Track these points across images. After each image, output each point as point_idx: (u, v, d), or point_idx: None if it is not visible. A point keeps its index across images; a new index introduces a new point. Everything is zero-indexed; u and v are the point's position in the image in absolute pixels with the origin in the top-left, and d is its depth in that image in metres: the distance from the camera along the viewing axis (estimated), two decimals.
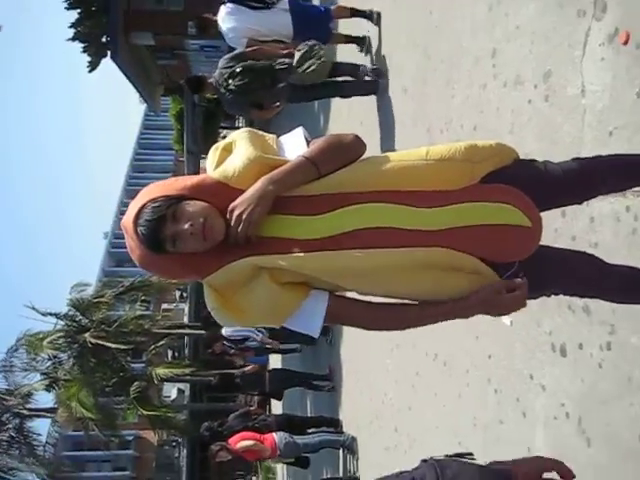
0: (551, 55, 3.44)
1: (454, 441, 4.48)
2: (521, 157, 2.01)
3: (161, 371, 15.00)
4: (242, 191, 1.79)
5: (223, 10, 6.47)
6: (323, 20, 6.85)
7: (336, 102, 8.15)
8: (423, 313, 1.88)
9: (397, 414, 6.21)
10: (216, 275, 1.79)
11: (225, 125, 31.28)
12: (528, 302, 1.93)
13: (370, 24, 6.98)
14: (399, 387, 6.17)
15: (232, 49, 6.55)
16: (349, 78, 6.64)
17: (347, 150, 1.87)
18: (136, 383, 14.49)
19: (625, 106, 2.83)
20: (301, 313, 1.82)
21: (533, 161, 2.04)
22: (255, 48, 6.10)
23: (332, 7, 7.16)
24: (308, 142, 1.91)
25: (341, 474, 8.62)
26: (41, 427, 19.53)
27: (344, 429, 8.61)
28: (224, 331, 10.21)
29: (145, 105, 37.14)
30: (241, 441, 7.39)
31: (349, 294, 1.92)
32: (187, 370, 16.80)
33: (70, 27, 25.99)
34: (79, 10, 25.25)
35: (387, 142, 6.42)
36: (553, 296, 2.10)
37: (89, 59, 27.33)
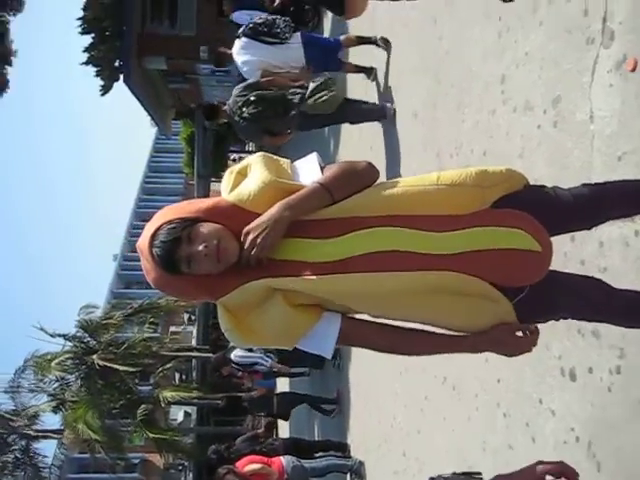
0: (560, 81, 3.48)
1: (463, 465, 4.46)
2: (531, 182, 2.03)
3: (168, 394, 14.97)
4: (256, 214, 1.82)
5: (238, 44, 6.74)
6: (333, 51, 7.14)
7: (346, 127, 8.24)
8: (435, 341, 1.92)
9: (406, 438, 6.18)
10: (230, 296, 1.82)
11: (235, 149, 31.48)
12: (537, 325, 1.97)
13: (381, 50, 7.12)
14: (408, 411, 6.14)
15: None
16: (358, 104, 6.76)
17: (360, 177, 1.90)
18: (143, 406, 14.47)
19: (634, 131, 2.86)
20: (314, 334, 1.85)
21: (543, 187, 2.06)
22: (269, 79, 6.28)
23: (341, 37, 7.39)
24: (322, 168, 1.94)
25: None
26: (47, 449, 19.42)
27: (352, 453, 8.56)
28: (233, 355, 10.22)
29: (156, 128, 37.44)
30: (249, 464, 7.34)
31: (361, 316, 1.95)
32: (194, 393, 16.77)
33: (84, 51, 26.31)
34: (93, 35, 25.58)
35: (397, 166, 6.47)
36: (562, 320, 2.12)
37: (102, 83, 27.62)
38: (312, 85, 6.07)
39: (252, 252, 1.79)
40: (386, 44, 7.06)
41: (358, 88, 8.12)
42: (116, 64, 24.95)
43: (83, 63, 26.23)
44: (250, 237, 1.79)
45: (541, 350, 3.37)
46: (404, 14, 6.27)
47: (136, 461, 33.22)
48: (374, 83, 7.47)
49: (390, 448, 6.77)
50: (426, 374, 5.42)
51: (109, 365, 14.05)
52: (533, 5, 3.81)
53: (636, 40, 2.88)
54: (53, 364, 14.41)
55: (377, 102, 7.06)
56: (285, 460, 7.69)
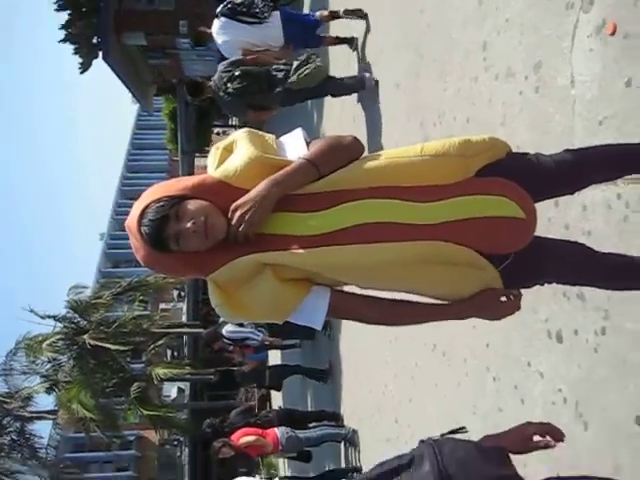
0: (541, 47, 3.49)
1: None
2: (514, 148, 2.06)
3: (161, 371, 15.04)
4: (243, 190, 1.83)
5: (217, 24, 6.75)
6: (312, 28, 7.23)
7: (328, 100, 8.22)
8: (421, 311, 1.96)
9: (397, 406, 6.27)
10: (220, 272, 1.84)
11: (219, 123, 31.27)
12: (523, 290, 2.01)
13: (360, 22, 7.16)
14: (399, 379, 6.22)
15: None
16: (338, 77, 6.79)
17: (346, 151, 1.92)
18: (136, 383, 14.53)
19: (614, 96, 2.88)
20: (304, 308, 1.87)
21: (525, 154, 2.09)
22: (253, 57, 6.31)
23: (317, 13, 7.46)
24: (307, 143, 1.96)
25: (343, 467, 8.68)
26: (42, 430, 19.53)
27: (345, 422, 8.68)
28: (224, 331, 10.27)
29: (138, 105, 37.06)
30: (243, 437, 7.44)
31: (350, 288, 1.98)
32: (187, 369, 16.86)
33: (61, 29, 25.89)
34: (69, 12, 25.17)
35: (381, 136, 6.48)
36: (547, 285, 2.16)
37: (81, 60, 27.24)
38: (295, 63, 6.12)
39: (240, 228, 1.80)
40: (360, 14, 7.11)
41: (340, 59, 8.10)
42: (94, 41, 24.61)
43: (61, 41, 25.84)
44: (238, 213, 1.80)
45: (528, 314, 3.44)
46: None
47: (131, 438, 33.50)
48: (355, 53, 7.45)
49: (382, 416, 6.86)
50: (415, 342, 5.48)
51: (100, 344, 14.08)
52: None
53: (615, 4, 2.89)
54: (44, 345, 14.42)
55: (357, 73, 7.06)
56: (279, 431, 7.80)
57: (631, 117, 2.76)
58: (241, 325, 10.10)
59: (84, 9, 24.27)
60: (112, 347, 14.14)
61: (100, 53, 22.74)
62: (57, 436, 20.56)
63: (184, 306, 27.10)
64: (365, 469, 7.70)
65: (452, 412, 4.78)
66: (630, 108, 2.77)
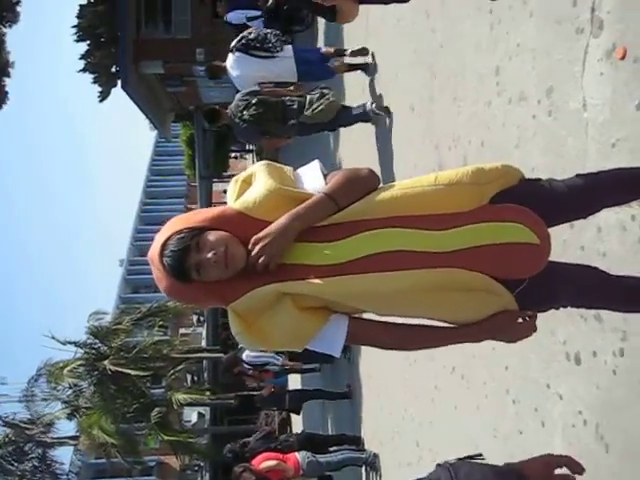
0: (552, 71, 3.53)
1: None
2: (528, 171, 2.09)
3: (181, 396, 15.06)
4: (262, 221, 1.88)
5: (231, 58, 6.99)
6: (324, 61, 7.45)
7: None
8: (438, 335, 2.01)
9: (418, 429, 6.25)
10: (240, 301, 1.88)
11: (236, 149, 31.50)
12: (540, 314, 2.03)
13: (368, 57, 7.43)
14: (418, 401, 6.21)
15: None
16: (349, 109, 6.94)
17: (363, 184, 1.96)
18: (157, 409, 14.57)
19: (625, 118, 2.91)
20: (323, 337, 1.91)
21: (538, 180, 2.12)
22: (270, 90, 6.49)
23: (323, 49, 7.78)
24: (324, 175, 2.01)
25: None
26: (64, 456, 19.57)
27: (366, 446, 8.64)
28: (244, 356, 10.31)
29: (156, 132, 37.48)
30: (264, 462, 7.42)
31: (369, 315, 2.01)
32: (207, 394, 16.85)
33: (80, 59, 26.40)
34: (88, 42, 25.65)
35: (397, 160, 6.53)
36: (562, 309, 2.18)
37: (100, 89, 27.71)
38: (309, 98, 6.28)
39: (260, 260, 1.85)
40: (365, 52, 7.49)
41: (355, 87, 8.20)
42: (113, 70, 25.02)
43: (80, 70, 26.33)
44: (259, 246, 1.85)
45: (545, 336, 3.44)
46: (397, 10, 6.31)
47: (152, 464, 33.37)
48: (369, 80, 7.54)
49: (403, 439, 6.84)
50: (435, 364, 5.48)
51: (121, 370, 14.15)
52: None
53: (624, 29, 2.93)
54: (66, 371, 14.52)
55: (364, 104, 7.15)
56: (300, 456, 7.77)
57: None
58: (262, 350, 10.13)
59: (102, 39, 24.72)
60: (132, 372, 14.21)
61: (119, 82, 23.08)
62: (78, 462, 20.60)
63: (204, 331, 27.16)
64: None
65: (473, 435, 4.77)
66: None
